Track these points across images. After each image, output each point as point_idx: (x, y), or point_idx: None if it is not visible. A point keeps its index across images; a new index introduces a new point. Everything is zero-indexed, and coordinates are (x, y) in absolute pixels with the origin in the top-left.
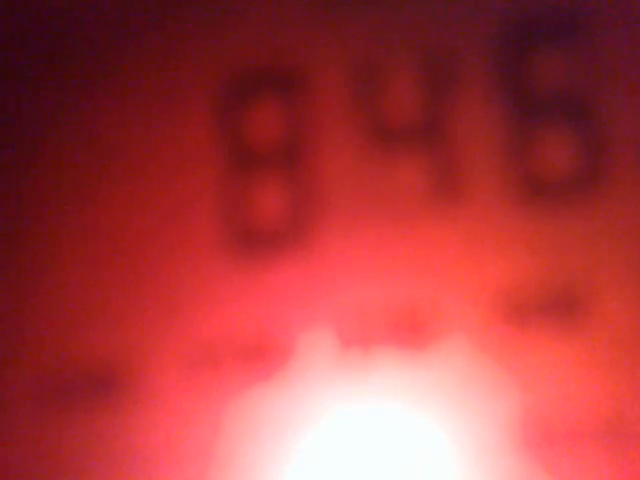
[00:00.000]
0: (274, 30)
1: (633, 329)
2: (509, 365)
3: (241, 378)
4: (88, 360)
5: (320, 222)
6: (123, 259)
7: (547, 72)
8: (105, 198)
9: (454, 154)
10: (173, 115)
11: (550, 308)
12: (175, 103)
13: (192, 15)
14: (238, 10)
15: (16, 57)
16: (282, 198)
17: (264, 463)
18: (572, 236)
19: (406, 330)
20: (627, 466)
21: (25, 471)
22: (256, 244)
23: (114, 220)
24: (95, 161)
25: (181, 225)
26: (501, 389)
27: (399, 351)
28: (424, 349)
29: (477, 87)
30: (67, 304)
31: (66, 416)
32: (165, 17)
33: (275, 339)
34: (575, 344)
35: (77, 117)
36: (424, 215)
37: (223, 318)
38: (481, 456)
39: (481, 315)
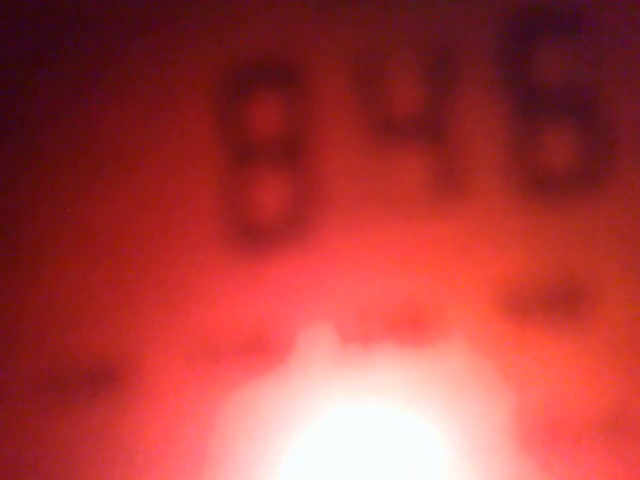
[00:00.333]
0: (274, 25)
1: (633, 327)
2: (509, 363)
3: (240, 374)
4: (86, 355)
5: (320, 218)
6: (122, 255)
7: (550, 68)
8: (104, 194)
9: (455, 150)
10: (173, 111)
11: (551, 306)
12: (175, 99)
13: (191, 10)
14: (238, 5)
15: (13, 53)
16: (282, 194)
17: (262, 459)
18: (573, 233)
19: (406, 327)
20: (626, 465)
21: (22, 466)
22: (256, 240)
23: (113, 216)
24: (94, 157)
25: (181, 221)
26: (500, 387)
27: (398, 348)
28: (424, 346)
29: (478, 84)
30: (65, 299)
31: (63, 411)
32: (164, 13)
33: (274, 335)
34: (575, 342)
35: (75, 113)
36: (425, 212)
37: (222, 314)
38: (480, 454)
39: (481, 312)
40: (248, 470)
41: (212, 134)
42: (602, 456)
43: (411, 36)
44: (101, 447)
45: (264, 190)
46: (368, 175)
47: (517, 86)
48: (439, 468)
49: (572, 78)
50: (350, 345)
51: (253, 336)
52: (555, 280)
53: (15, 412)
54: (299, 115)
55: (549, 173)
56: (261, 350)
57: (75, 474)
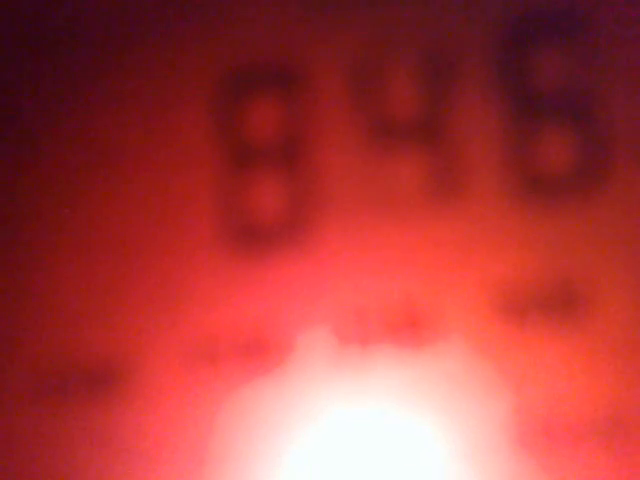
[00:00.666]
0: (272, 27)
1: (632, 328)
2: (507, 363)
3: (239, 375)
4: (85, 356)
5: (318, 220)
6: (121, 256)
7: (547, 70)
8: (102, 195)
9: (453, 152)
10: (172, 114)
11: (548, 307)
12: (174, 101)
13: (191, 14)
14: (237, 9)
15: (13, 55)
16: (281, 196)
17: (261, 460)
18: (571, 235)
19: (404, 328)
20: (624, 465)
21: (21, 466)
22: (255, 242)
23: (113, 218)
24: (94, 159)
25: (179, 222)
26: (499, 387)
27: (397, 349)
28: (422, 347)
29: (477, 85)
30: (64, 300)
31: (63, 412)
32: (163, 17)
33: (273, 336)
34: (574, 342)
35: (75, 115)
36: (423, 214)
37: (221, 315)
38: (478, 454)
39: (480, 313)
40: (247, 470)
41: (211, 137)
42: (600, 456)
43: (410, 39)
44: (101, 448)
45: (263, 192)
46: (366, 177)
47: (515, 88)
48: (438, 468)
49: (570, 81)
50: (348, 346)
51: (252, 337)
52: (553, 281)
53: (15, 412)
54: (298, 118)
55: (546, 175)
56: (260, 351)
57: (75, 474)
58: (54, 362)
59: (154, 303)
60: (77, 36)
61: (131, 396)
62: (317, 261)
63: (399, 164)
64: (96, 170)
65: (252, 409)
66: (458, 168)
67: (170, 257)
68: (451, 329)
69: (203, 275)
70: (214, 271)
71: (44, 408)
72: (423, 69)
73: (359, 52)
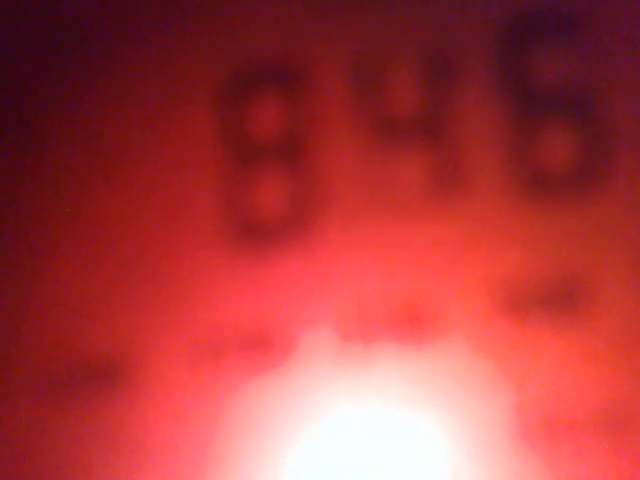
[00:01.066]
0: (275, 27)
1: (632, 325)
2: (508, 360)
3: (242, 372)
4: (89, 354)
5: (321, 217)
6: (124, 252)
7: (548, 69)
8: (106, 191)
9: (455, 150)
10: (175, 112)
11: (550, 304)
12: (177, 99)
13: (194, 13)
14: (239, 8)
15: (15, 55)
16: (284, 194)
17: (265, 456)
18: (572, 232)
19: (407, 325)
20: (627, 460)
21: (24, 462)
22: (258, 238)
23: (114, 215)
24: (97, 158)
25: (183, 220)
26: (500, 384)
27: (399, 346)
28: (424, 344)
29: (478, 83)
30: (68, 295)
31: (67, 409)
32: (166, 13)
33: (276, 333)
34: (574, 339)
35: (78, 114)
36: (425, 211)
37: (224, 312)
38: (480, 451)
39: (482, 310)
40: (251, 467)
41: (215, 135)
42: (602, 452)
43: (411, 38)
44: (105, 445)
45: (266, 190)
46: (369, 175)
47: (516, 87)
48: (440, 465)
49: (570, 79)
50: (351, 343)
51: (256, 335)
52: (554, 278)
53: (18, 410)
54: (301, 116)
55: (548, 173)
56: (263, 348)
57: (79, 471)
58: (58, 359)
59: (158, 300)
60: (79, 35)
61: (135, 393)
62: (320, 259)
63: (401, 162)
64: (99, 168)
65: (256, 406)
66: (460, 166)
67: (174, 255)
68: (453, 326)
69: (207, 272)
70: (218, 268)
71: (48, 405)
72: (425, 68)
73: (362, 52)
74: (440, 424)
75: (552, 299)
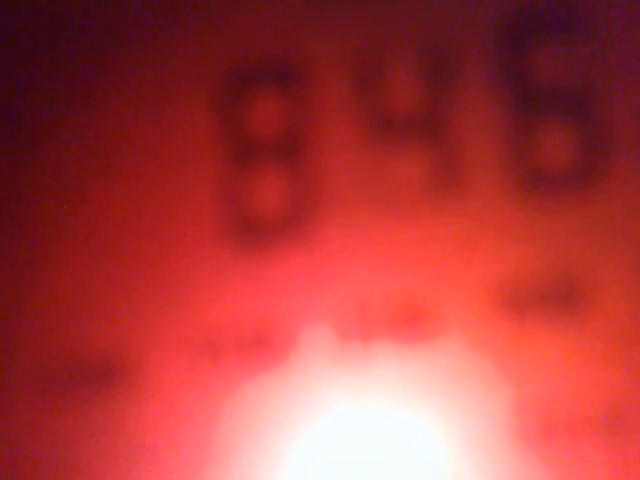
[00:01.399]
0: (274, 24)
1: (632, 323)
2: (507, 359)
3: (241, 370)
4: (88, 352)
5: (320, 215)
6: (123, 251)
7: (547, 67)
8: (105, 190)
9: (454, 148)
10: (174, 110)
11: (549, 303)
12: (175, 97)
13: (192, 9)
14: (238, 4)
15: (13, 53)
16: (283, 192)
17: (263, 455)
18: (571, 231)
19: (405, 323)
20: (625, 459)
21: (22, 461)
22: (256, 237)
23: (115, 214)
24: (95, 156)
25: (181, 217)
26: (499, 383)
27: (398, 344)
28: (423, 343)
29: (477, 81)
30: (66, 294)
31: (66, 408)
32: (165, 12)
33: (275, 332)
34: (573, 338)
35: (76, 112)
36: (424, 209)
37: (223, 310)
38: (480, 449)
39: (480, 309)
40: (250, 465)
41: (213, 133)
42: (600, 451)
43: (410, 35)
44: (104, 443)
45: (265, 188)
46: (367, 173)
47: (515, 85)
48: (438, 464)
49: (569, 77)
50: (350, 342)
51: (254, 333)
52: (553, 277)
53: (18, 409)
54: (299, 114)
55: (547, 171)
56: (262, 347)
57: (78, 470)
58: (57, 358)
59: (157, 298)
60: (77, 33)
61: (134, 392)
62: (319, 257)
63: (400, 160)
64: (98, 166)
65: (254, 404)
66: (459, 164)
67: (172, 253)
68: (452, 325)
69: (205, 271)
70: (216, 267)
71: (47, 404)
72: (424, 66)
73: (361, 49)
74: (438, 422)
75: (550, 298)
